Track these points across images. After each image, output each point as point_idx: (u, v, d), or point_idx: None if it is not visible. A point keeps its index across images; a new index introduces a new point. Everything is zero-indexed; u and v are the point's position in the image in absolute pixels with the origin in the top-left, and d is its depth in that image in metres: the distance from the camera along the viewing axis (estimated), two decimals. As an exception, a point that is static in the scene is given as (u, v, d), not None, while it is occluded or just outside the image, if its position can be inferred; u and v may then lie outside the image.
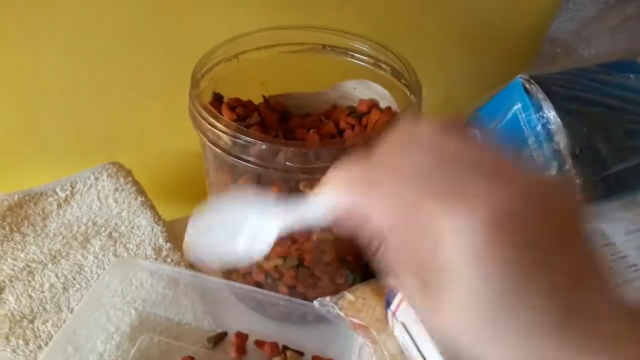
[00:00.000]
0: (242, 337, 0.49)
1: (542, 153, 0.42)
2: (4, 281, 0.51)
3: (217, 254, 0.29)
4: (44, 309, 0.50)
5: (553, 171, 0.41)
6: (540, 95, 0.41)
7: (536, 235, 0.21)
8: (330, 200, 0.26)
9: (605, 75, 0.44)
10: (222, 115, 0.46)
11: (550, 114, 0.40)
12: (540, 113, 0.41)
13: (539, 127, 0.41)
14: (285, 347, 0.48)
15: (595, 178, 0.42)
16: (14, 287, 0.51)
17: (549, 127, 0.40)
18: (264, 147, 0.39)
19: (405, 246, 0.24)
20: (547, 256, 0.22)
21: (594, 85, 0.42)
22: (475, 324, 0.22)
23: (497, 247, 0.21)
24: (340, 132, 0.49)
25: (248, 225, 0.28)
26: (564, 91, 0.41)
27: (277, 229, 0.27)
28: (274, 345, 0.48)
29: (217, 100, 0.49)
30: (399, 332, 0.39)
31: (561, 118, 0.40)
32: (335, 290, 0.46)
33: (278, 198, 0.28)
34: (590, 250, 0.23)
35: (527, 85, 0.42)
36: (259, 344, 0.48)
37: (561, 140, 0.40)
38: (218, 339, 0.49)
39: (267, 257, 0.46)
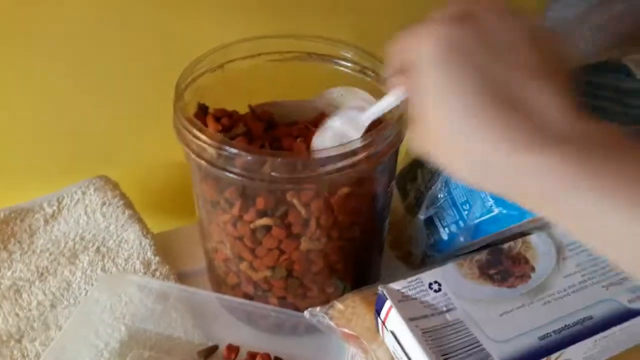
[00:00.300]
0: (233, 350, 0.48)
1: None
2: (-10, 300, 0.51)
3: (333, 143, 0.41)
4: (32, 327, 0.49)
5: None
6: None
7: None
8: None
9: (592, 77, 0.44)
10: (207, 126, 0.46)
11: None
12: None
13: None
14: (278, 358, 0.48)
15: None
16: (0, 306, 0.50)
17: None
18: (249, 158, 0.38)
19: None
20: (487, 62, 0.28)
21: (581, 86, 0.42)
22: (438, 134, 0.29)
23: (456, 54, 0.28)
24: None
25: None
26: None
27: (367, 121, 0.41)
28: (266, 357, 0.48)
29: (202, 111, 0.48)
30: (389, 340, 0.39)
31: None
32: (326, 300, 0.45)
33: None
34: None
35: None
36: (251, 355, 0.48)
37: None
38: (209, 353, 0.48)
39: (255, 269, 0.45)
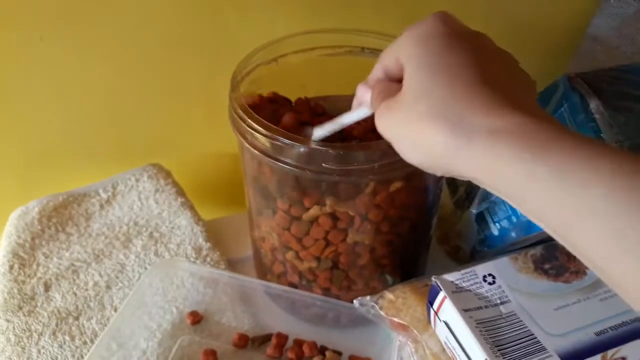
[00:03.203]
0: (282, 338, 0.49)
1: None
2: (50, 279, 0.53)
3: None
4: (89, 306, 0.51)
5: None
6: (587, 92, 0.40)
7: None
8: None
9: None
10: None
11: (598, 110, 0.39)
12: (588, 110, 0.40)
13: (585, 124, 0.40)
14: (324, 347, 0.48)
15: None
16: (60, 285, 0.52)
17: (596, 124, 0.39)
18: (302, 149, 0.39)
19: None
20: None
21: (630, 84, 0.41)
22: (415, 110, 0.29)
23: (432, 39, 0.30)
24: (378, 135, 0.49)
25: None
26: (611, 88, 0.40)
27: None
28: (313, 345, 0.48)
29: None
30: (441, 331, 0.39)
31: (609, 115, 0.39)
32: (370, 294, 0.45)
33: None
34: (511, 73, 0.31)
35: (574, 83, 0.41)
36: (298, 344, 0.48)
37: (608, 137, 0.39)
38: (263, 340, 0.49)
39: (302, 259, 0.46)
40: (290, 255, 0.46)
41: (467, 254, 0.51)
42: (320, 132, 0.41)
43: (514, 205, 0.28)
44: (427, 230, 0.49)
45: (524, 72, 0.31)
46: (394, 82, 0.33)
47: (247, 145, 0.41)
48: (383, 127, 0.32)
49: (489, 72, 0.29)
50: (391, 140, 0.32)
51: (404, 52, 0.31)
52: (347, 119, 0.39)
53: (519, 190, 0.26)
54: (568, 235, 0.25)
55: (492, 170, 0.27)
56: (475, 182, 0.29)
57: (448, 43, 0.30)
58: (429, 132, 0.28)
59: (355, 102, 0.39)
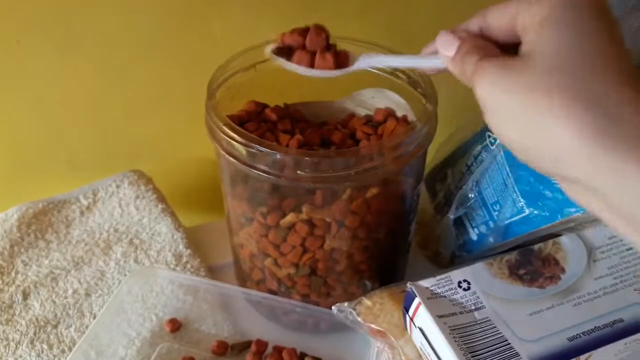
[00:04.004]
0: (261, 345, 0.49)
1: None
2: (29, 287, 0.52)
3: None
4: (68, 314, 0.51)
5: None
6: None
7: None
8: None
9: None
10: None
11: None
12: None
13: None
14: (303, 354, 0.48)
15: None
16: (38, 293, 0.52)
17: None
18: (277, 156, 0.39)
19: None
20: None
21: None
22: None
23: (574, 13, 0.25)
24: (357, 141, 0.49)
25: None
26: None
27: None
28: (292, 352, 0.48)
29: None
30: (416, 337, 0.39)
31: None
32: (349, 300, 0.46)
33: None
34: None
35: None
36: (277, 350, 0.48)
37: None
38: (243, 348, 0.49)
39: (280, 265, 0.46)
40: (268, 262, 0.46)
41: (446, 259, 0.52)
42: (364, 62, 0.38)
43: (623, 216, 0.23)
44: (405, 236, 0.50)
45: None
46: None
47: (223, 153, 0.41)
48: (488, 89, 0.26)
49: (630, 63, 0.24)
50: (489, 108, 0.26)
51: (541, 12, 0.25)
52: (411, 62, 0.36)
53: None
54: None
55: (630, 187, 0.22)
56: (586, 190, 0.24)
57: (603, 16, 0.25)
58: (558, 113, 0.23)
59: (428, 49, 0.33)
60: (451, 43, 0.30)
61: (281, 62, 0.39)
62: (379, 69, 0.49)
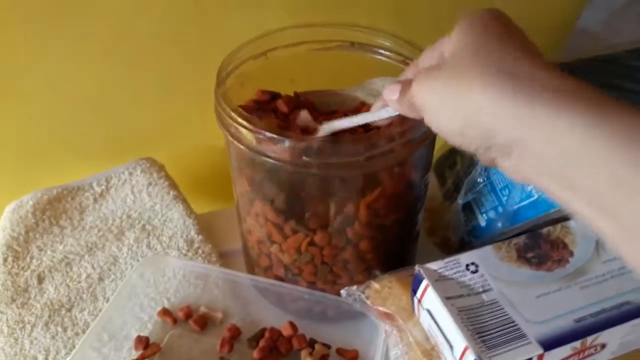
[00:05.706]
0: (275, 333, 0.48)
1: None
2: (43, 272, 0.53)
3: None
4: (81, 298, 0.52)
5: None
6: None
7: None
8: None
9: (635, 61, 0.43)
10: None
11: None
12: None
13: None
14: (313, 340, 0.49)
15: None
16: (53, 277, 0.53)
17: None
18: (286, 143, 0.39)
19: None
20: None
21: (623, 71, 0.42)
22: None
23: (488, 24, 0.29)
24: (367, 130, 0.49)
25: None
26: (593, 78, 0.41)
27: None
28: (302, 338, 0.48)
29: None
30: (424, 319, 0.40)
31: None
32: (355, 287, 0.46)
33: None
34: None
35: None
36: (288, 336, 0.49)
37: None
38: (258, 338, 0.48)
39: (284, 251, 0.46)
40: (274, 248, 0.47)
41: (455, 245, 0.52)
42: (332, 126, 0.41)
43: (554, 176, 0.25)
44: (412, 225, 0.49)
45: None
46: None
47: (232, 139, 0.42)
48: (424, 93, 0.30)
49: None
50: (427, 109, 0.30)
51: (454, 31, 0.30)
52: (365, 118, 0.39)
53: (576, 154, 0.24)
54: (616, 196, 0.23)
55: (551, 132, 0.24)
56: (514, 145, 0.26)
57: (505, 20, 0.30)
58: (477, 86, 0.26)
59: (377, 104, 0.38)
60: (394, 88, 0.34)
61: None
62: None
